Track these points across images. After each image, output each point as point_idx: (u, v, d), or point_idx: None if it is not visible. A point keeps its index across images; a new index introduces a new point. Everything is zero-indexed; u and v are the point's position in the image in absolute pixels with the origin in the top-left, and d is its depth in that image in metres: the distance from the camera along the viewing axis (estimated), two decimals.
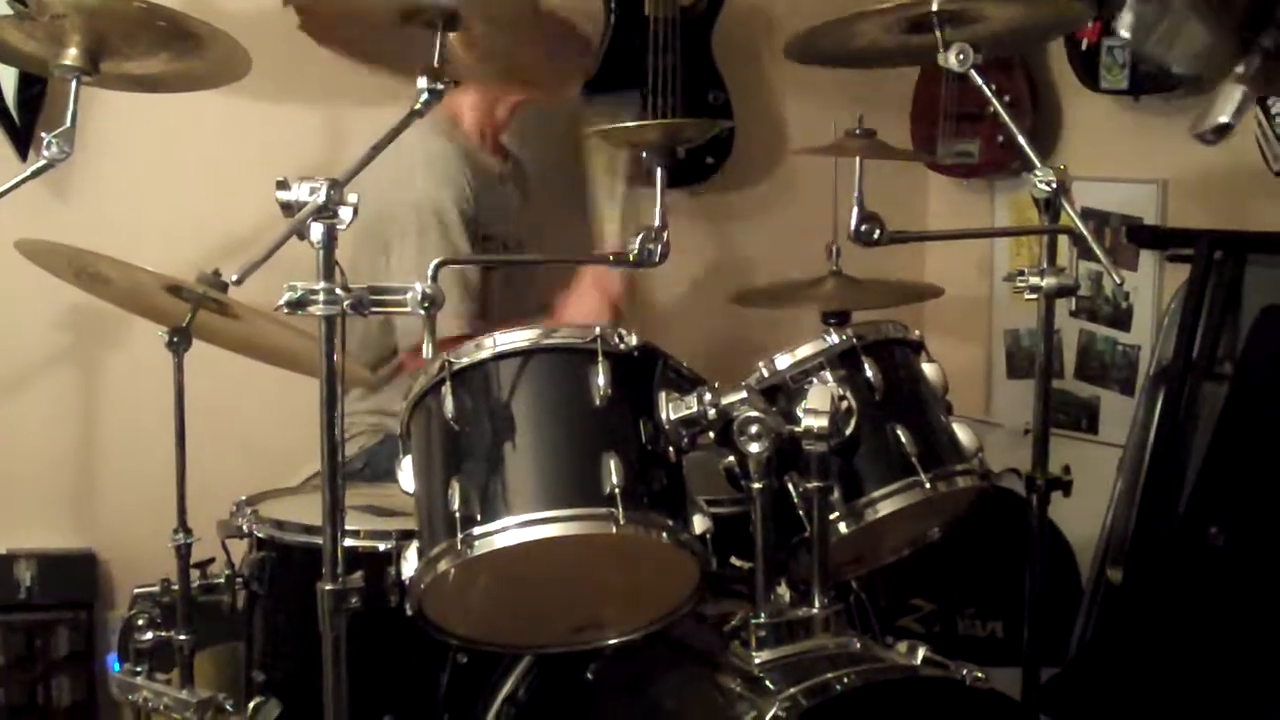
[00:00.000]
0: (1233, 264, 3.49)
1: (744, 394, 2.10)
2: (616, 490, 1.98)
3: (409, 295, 1.95)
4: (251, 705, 2.36)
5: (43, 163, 2.26)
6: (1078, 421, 4.04)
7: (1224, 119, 2.19)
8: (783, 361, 2.24)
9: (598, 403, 2.06)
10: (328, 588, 1.95)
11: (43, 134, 2.26)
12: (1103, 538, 3.66)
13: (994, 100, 2.50)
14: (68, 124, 2.25)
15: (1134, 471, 3.61)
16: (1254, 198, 3.52)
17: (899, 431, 2.23)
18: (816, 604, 2.13)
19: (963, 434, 2.33)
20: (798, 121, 4.11)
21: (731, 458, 2.16)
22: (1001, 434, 4.05)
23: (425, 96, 2.08)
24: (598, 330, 2.10)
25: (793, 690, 1.95)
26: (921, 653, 2.08)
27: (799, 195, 4.12)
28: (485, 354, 2.10)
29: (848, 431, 2.17)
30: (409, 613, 2.11)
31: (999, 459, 2.72)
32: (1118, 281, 2.29)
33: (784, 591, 2.16)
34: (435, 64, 2.08)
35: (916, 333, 2.39)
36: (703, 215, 4.01)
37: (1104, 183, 3.84)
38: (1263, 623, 3.12)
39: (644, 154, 2.25)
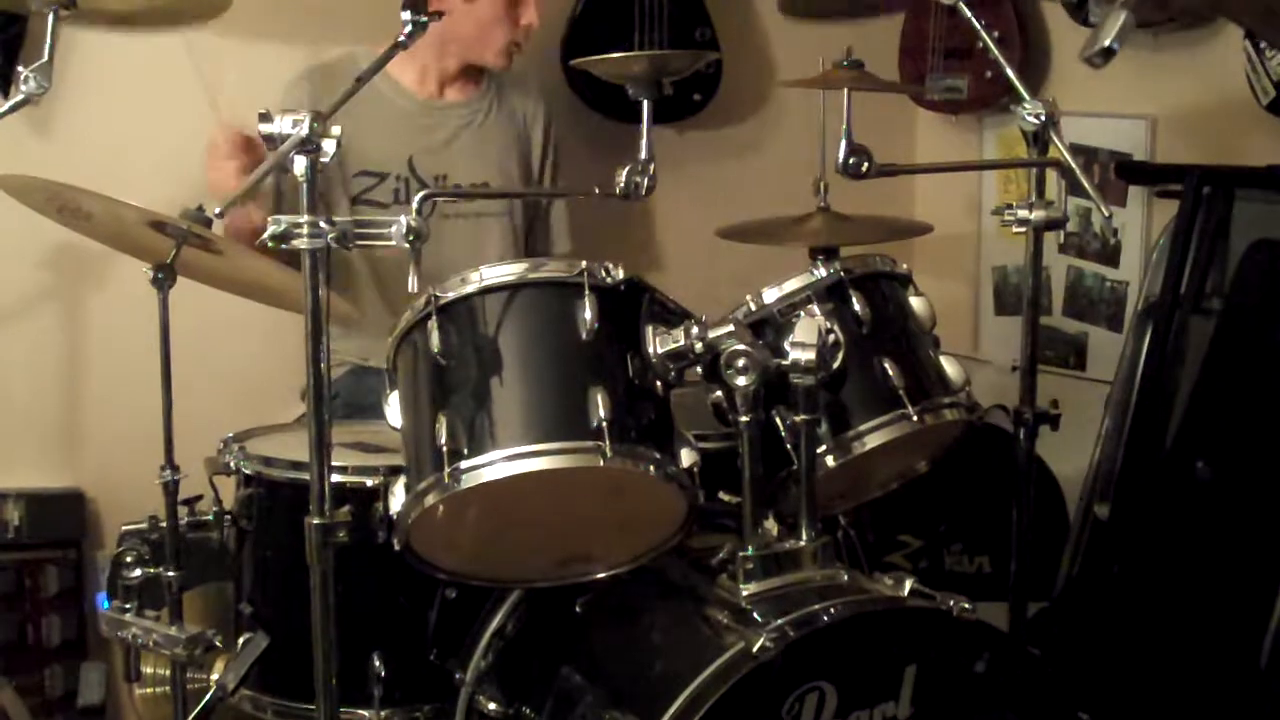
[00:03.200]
0: (1221, 199, 3.48)
1: (731, 327, 2.09)
2: (604, 423, 1.98)
3: (394, 229, 1.94)
4: (240, 640, 2.36)
5: (20, 97, 2.24)
6: (1065, 358, 4.04)
7: (1107, 43, 2.20)
8: (770, 295, 2.23)
9: (584, 336, 2.05)
10: (315, 522, 1.96)
11: (20, 68, 2.24)
12: (1090, 473, 3.66)
13: (983, 34, 2.49)
14: (45, 58, 2.23)
15: (1121, 407, 3.61)
16: (1243, 133, 3.50)
17: (886, 365, 2.23)
18: (804, 537, 2.13)
19: (950, 368, 2.33)
20: (785, 58, 4.08)
21: (719, 392, 2.16)
22: (989, 371, 4.05)
23: (409, 29, 2.07)
24: (584, 264, 2.10)
25: (780, 621, 1.96)
26: (909, 584, 2.09)
27: (786, 132, 4.10)
28: (471, 288, 2.09)
29: (835, 365, 2.17)
30: (397, 547, 2.11)
31: (987, 396, 2.72)
32: (1106, 214, 2.29)
33: (771, 525, 2.17)
34: None
35: (904, 266, 2.39)
36: (690, 151, 3.99)
37: (1093, 118, 3.82)
38: (1248, 556, 3.13)
39: (630, 88, 2.24)
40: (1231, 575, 3.16)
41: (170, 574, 2.44)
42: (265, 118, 1.89)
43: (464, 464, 2.00)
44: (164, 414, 2.44)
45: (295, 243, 1.89)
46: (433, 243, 1.96)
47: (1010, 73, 2.47)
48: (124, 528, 2.48)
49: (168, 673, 2.61)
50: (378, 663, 2.31)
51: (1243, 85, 3.34)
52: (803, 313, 2.20)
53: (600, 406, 1.99)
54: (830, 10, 2.72)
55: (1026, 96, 2.36)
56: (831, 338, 2.16)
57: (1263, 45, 3.27)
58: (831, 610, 2.00)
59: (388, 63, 2.10)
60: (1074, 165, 2.26)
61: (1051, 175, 2.46)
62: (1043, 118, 2.34)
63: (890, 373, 2.22)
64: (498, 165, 3.27)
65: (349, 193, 3.10)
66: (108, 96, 3.33)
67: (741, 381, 2.06)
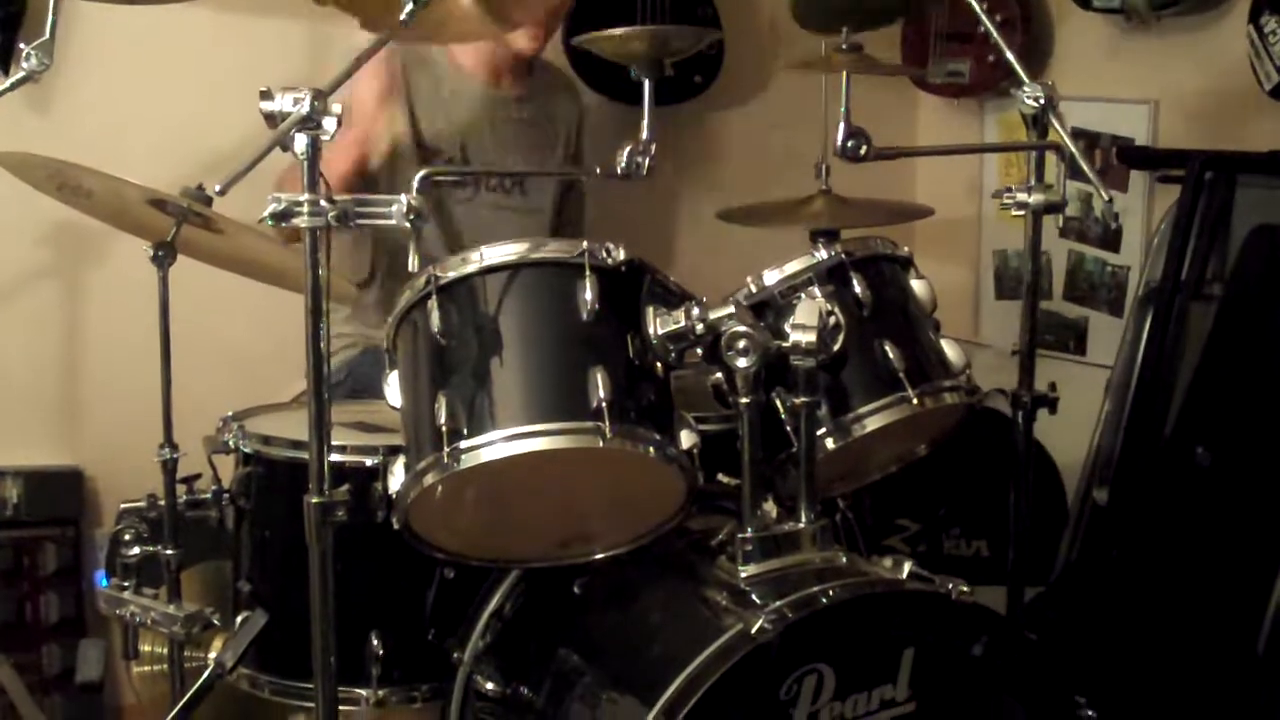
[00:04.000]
0: (1223, 184, 3.48)
1: (732, 309, 2.09)
2: (604, 404, 1.98)
3: (394, 208, 1.93)
4: (239, 619, 2.36)
5: (22, 74, 2.23)
6: (1065, 342, 4.04)
7: None
8: (771, 277, 2.23)
9: (585, 317, 2.05)
10: (314, 500, 1.95)
11: (21, 45, 2.23)
12: (1089, 458, 3.67)
13: (984, 18, 2.49)
14: (46, 35, 2.22)
15: (1121, 392, 3.61)
16: (1245, 118, 3.50)
17: (887, 347, 2.23)
18: (803, 519, 2.13)
19: (950, 351, 2.32)
20: (787, 39, 4.07)
21: (719, 374, 2.16)
22: (989, 355, 4.05)
23: (411, 6, 2.06)
24: (585, 245, 2.09)
25: (778, 603, 1.96)
26: (907, 567, 2.09)
27: (788, 115, 4.09)
28: (472, 268, 2.08)
29: (835, 347, 2.16)
30: (396, 527, 2.11)
31: (987, 380, 2.71)
32: (1106, 198, 2.28)
33: (770, 507, 2.17)
34: None
35: (905, 249, 2.38)
36: (692, 133, 3.98)
37: (1095, 103, 3.82)
38: (1247, 542, 3.14)
39: (631, 68, 2.23)
40: (1230, 561, 3.16)
41: (168, 552, 2.44)
42: (266, 95, 1.88)
43: (463, 444, 2.00)
44: (163, 392, 2.44)
45: (295, 220, 1.88)
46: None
47: (1011, 56, 2.46)
48: (122, 506, 2.48)
49: (166, 651, 2.62)
50: (375, 642, 2.31)
51: (1246, 70, 3.34)
52: (803, 295, 2.20)
53: (600, 387, 1.99)
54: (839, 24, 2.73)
55: (1026, 80, 2.36)
56: (832, 320, 2.15)
57: (1266, 30, 3.26)
58: (830, 592, 2.00)
59: (386, 44, 2.09)
60: (1073, 149, 2.26)
61: (1051, 159, 2.46)
62: (1042, 101, 2.34)
63: (890, 355, 2.22)
64: (539, 163, 3.31)
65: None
66: (108, 73, 3.33)
67: (742, 363, 2.06)
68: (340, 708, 2.06)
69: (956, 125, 4.23)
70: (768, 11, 4.08)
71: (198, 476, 2.49)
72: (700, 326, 2.09)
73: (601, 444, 1.98)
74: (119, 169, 2.35)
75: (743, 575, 2.08)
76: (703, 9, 3.81)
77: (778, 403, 2.17)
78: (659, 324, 2.10)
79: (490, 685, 2.27)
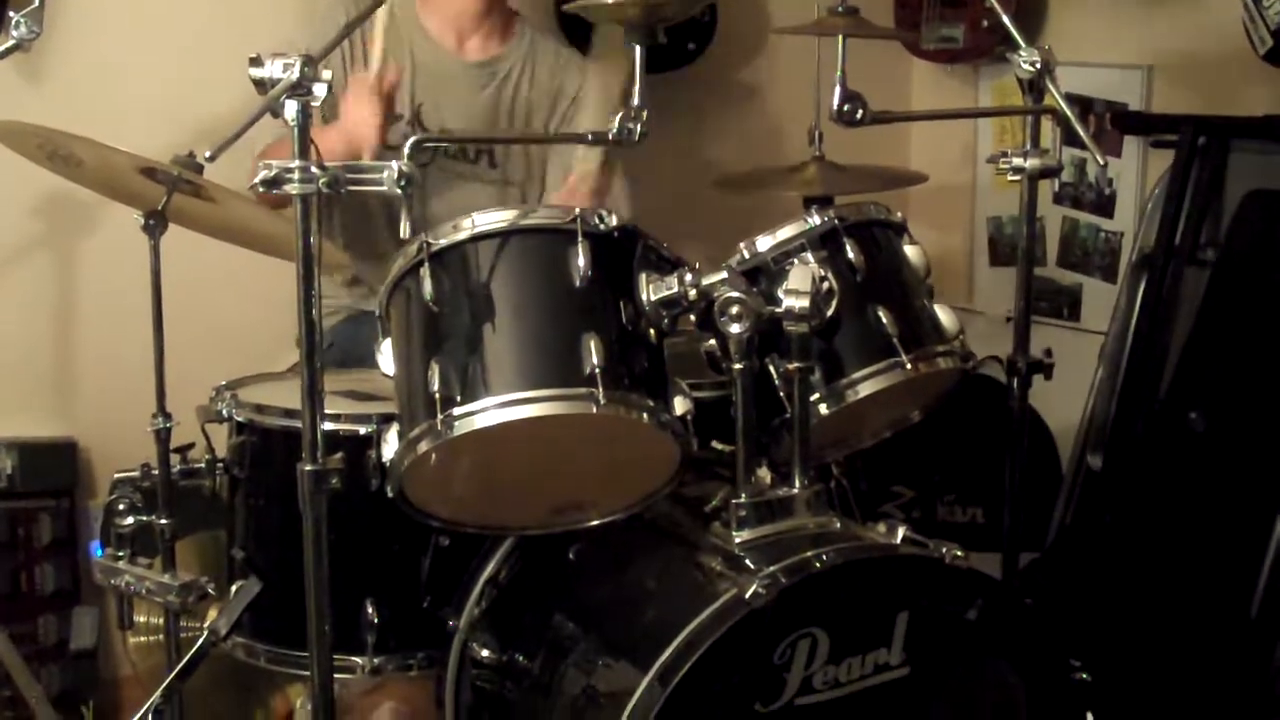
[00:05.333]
0: (1217, 149, 3.47)
1: (725, 275, 2.08)
2: (597, 370, 1.98)
3: (385, 174, 1.93)
4: (233, 587, 2.36)
5: (11, 43, 2.23)
6: (1060, 309, 4.04)
7: None
8: (764, 243, 2.22)
9: (578, 283, 2.04)
10: (307, 468, 1.95)
11: (11, 13, 2.22)
12: (1083, 424, 3.67)
13: None
14: (36, 3, 2.21)
15: (1115, 358, 3.61)
16: (1239, 83, 3.50)
17: (880, 313, 2.23)
18: (797, 485, 2.13)
19: (944, 316, 2.32)
20: (780, 5, 4.06)
21: (712, 340, 2.16)
22: (983, 322, 4.06)
23: None
24: (577, 211, 2.08)
25: (772, 568, 1.96)
26: (901, 532, 2.09)
27: (781, 81, 4.09)
28: (463, 235, 2.08)
29: (829, 312, 2.17)
30: (390, 495, 2.11)
31: (981, 347, 2.72)
32: (1101, 163, 2.28)
33: (764, 473, 2.17)
34: None
35: (899, 214, 2.38)
36: (685, 101, 3.97)
37: (1088, 68, 3.81)
38: (1240, 507, 3.14)
39: (624, 34, 2.22)
40: (1223, 525, 3.17)
41: (163, 522, 2.44)
42: (255, 62, 1.87)
43: (457, 410, 1.99)
44: (155, 362, 2.44)
45: (287, 188, 1.88)
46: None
47: (1006, 20, 2.46)
48: (116, 476, 2.48)
49: (161, 620, 2.62)
50: (370, 610, 2.32)
51: (1240, 34, 3.33)
52: (796, 260, 2.20)
53: (593, 354, 1.99)
54: None
55: (1022, 44, 2.35)
56: (825, 285, 2.15)
57: None
58: (824, 557, 2.00)
59: (378, 6, 2.08)
60: (1068, 111, 2.26)
61: (1047, 125, 2.46)
62: (1038, 65, 2.33)
63: (884, 321, 2.22)
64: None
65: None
66: (98, 42, 3.31)
67: (735, 329, 2.06)
68: (336, 676, 2.06)
69: (950, 91, 4.22)
70: None
71: (191, 446, 2.48)
72: (693, 293, 2.08)
73: (595, 410, 1.98)
74: (109, 137, 2.35)
75: (737, 541, 2.08)
76: None
77: (771, 368, 2.17)
78: (652, 290, 2.10)
79: (486, 652, 2.27)
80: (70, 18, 3.16)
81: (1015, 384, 2.58)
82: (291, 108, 1.87)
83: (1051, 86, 2.33)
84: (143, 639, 2.91)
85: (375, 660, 2.34)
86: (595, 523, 2.22)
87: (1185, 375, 3.41)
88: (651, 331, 2.11)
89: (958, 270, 4.29)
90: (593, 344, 2.00)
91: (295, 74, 1.85)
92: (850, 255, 2.24)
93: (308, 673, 2.04)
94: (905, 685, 2.02)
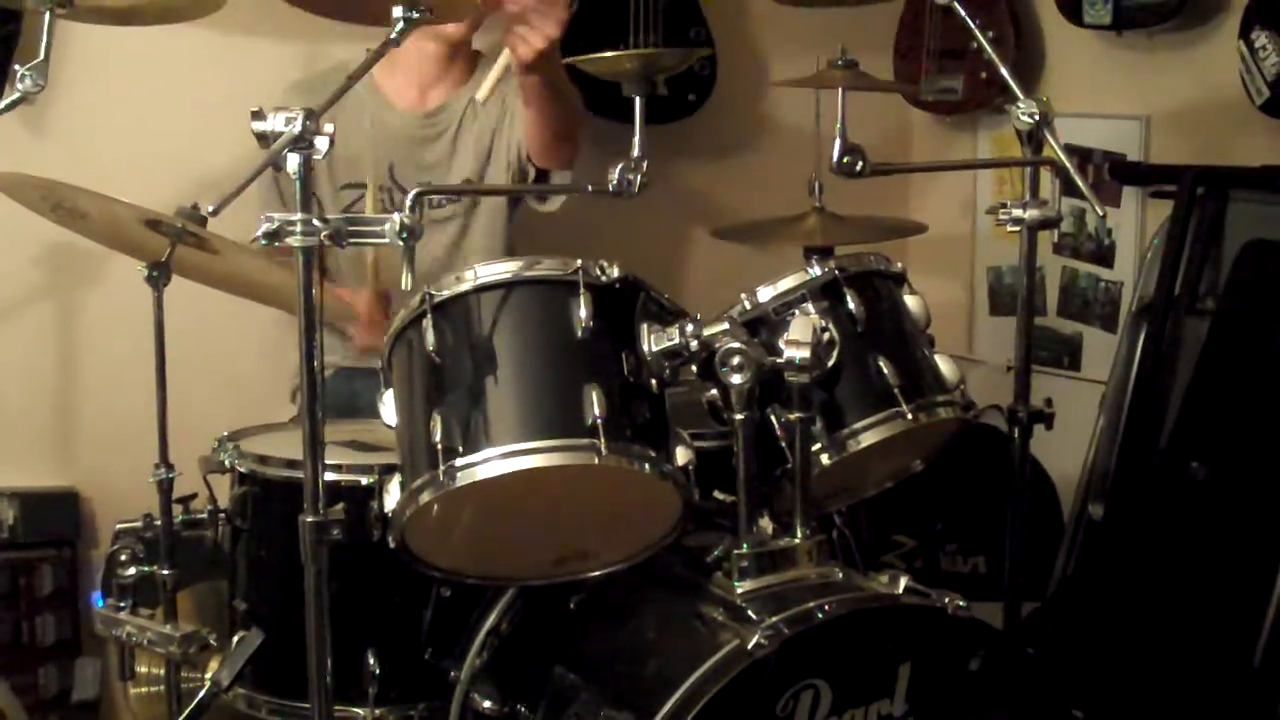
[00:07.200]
0: (1215, 200, 3.48)
1: (726, 325, 2.09)
2: (599, 421, 1.98)
3: (386, 227, 1.94)
4: (235, 638, 2.36)
5: (17, 95, 2.24)
6: (1060, 358, 4.04)
7: None
8: (765, 293, 2.24)
9: (579, 334, 2.05)
10: (309, 519, 1.95)
11: (16, 66, 2.23)
12: (1084, 473, 3.67)
13: (977, 34, 2.50)
14: (41, 57, 2.23)
15: (1116, 407, 3.62)
16: (1237, 133, 3.51)
17: (881, 363, 2.23)
18: (799, 535, 2.13)
19: (945, 366, 2.33)
20: (780, 58, 4.08)
21: (714, 390, 2.16)
22: (984, 371, 4.06)
23: (401, 25, 2.07)
24: (579, 262, 2.10)
25: (775, 619, 1.96)
26: (903, 582, 2.09)
27: (781, 132, 4.10)
28: (466, 286, 2.09)
29: (830, 363, 2.17)
30: (391, 545, 2.11)
31: (982, 396, 2.73)
32: (1100, 213, 2.30)
33: (766, 523, 2.17)
34: None
35: (899, 265, 2.39)
36: (685, 151, 3.98)
37: (1087, 119, 3.82)
38: (1242, 557, 3.14)
39: (623, 86, 2.23)
40: (1225, 575, 3.16)
41: (164, 572, 2.44)
42: (258, 115, 1.89)
43: (459, 461, 2.00)
44: (158, 412, 2.44)
45: (288, 240, 1.89)
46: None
47: (1005, 72, 2.47)
48: (118, 526, 2.48)
49: (162, 671, 2.61)
50: (372, 661, 2.31)
51: (1237, 85, 3.35)
52: (797, 311, 2.21)
53: (595, 404, 1.99)
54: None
55: (1021, 96, 2.37)
56: (826, 336, 2.16)
57: (1257, 45, 3.27)
58: (826, 607, 2.00)
59: (379, 60, 2.09)
60: (1067, 163, 2.27)
61: (1046, 176, 2.47)
62: (1037, 117, 2.35)
63: (885, 371, 2.23)
64: (483, 164, 3.16)
65: (338, 206, 3.08)
66: (102, 94, 3.33)
67: (736, 380, 2.06)
68: None
69: (949, 142, 4.24)
70: (761, 29, 4.09)
71: (193, 496, 2.49)
72: (694, 343, 2.09)
73: (597, 461, 1.98)
74: (113, 189, 2.36)
75: (739, 591, 2.08)
76: (696, 31, 3.82)
77: (772, 419, 2.17)
78: (653, 341, 2.11)
79: (487, 704, 2.27)
80: (75, 71, 3.18)
81: (1016, 433, 2.58)
82: (294, 161, 1.89)
83: (1050, 138, 2.34)
84: (144, 690, 2.89)
85: (377, 711, 2.33)
86: (597, 573, 2.23)
87: (1186, 425, 3.41)
88: (653, 382, 2.12)
89: (957, 320, 4.29)
90: (595, 394, 2.00)
91: (297, 127, 1.86)
92: (851, 306, 2.24)
93: None
94: None
